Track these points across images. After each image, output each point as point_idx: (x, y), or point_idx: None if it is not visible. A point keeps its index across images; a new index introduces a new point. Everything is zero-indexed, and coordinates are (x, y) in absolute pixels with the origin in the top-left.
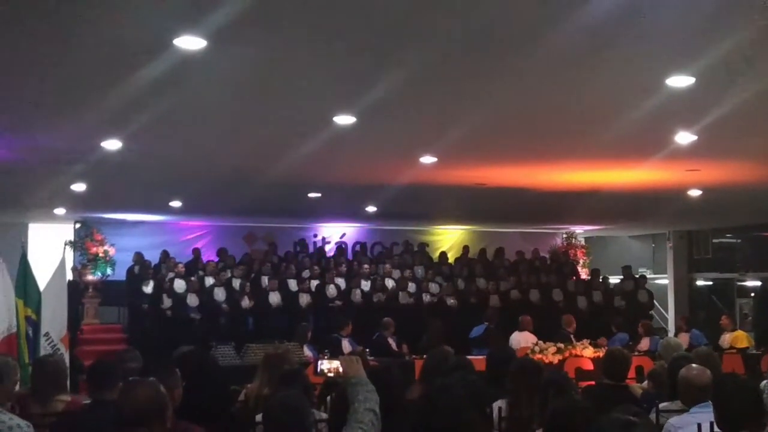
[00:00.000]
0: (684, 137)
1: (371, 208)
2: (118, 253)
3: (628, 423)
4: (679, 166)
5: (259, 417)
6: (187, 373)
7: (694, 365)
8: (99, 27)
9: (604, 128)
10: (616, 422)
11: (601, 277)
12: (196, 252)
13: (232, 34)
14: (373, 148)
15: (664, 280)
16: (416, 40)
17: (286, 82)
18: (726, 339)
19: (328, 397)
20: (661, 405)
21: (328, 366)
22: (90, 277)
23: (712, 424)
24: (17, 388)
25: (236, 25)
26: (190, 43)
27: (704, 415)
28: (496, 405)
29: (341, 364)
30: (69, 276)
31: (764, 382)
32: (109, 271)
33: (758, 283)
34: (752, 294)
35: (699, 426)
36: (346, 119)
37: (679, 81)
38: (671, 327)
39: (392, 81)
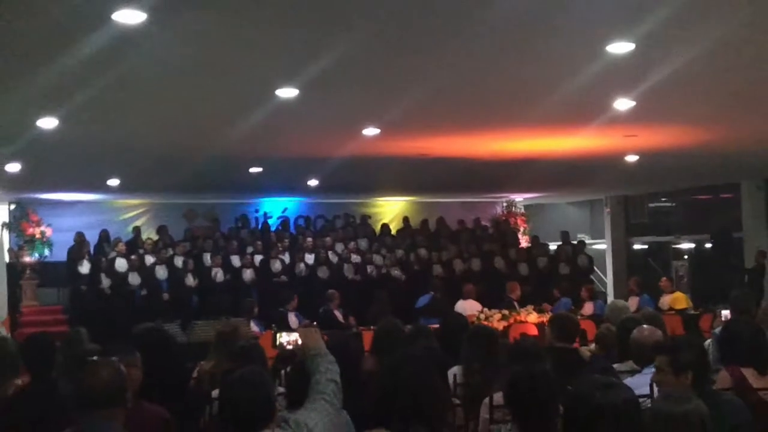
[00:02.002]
0: (623, 103)
1: (313, 182)
2: (56, 233)
3: (609, 383)
4: (617, 132)
5: (215, 393)
6: (147, 352)
7: (645, 326)
8: (35, 0)
9: (545, 96)
10: (596, 382)
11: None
12: (137, 230)
13: (171, 7)
14: (316, 121)
15: (602, 245)
16: (359, 10)
17: (228, 56)
18: (665, 300)
19: (282, 371)
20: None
21: (288, 339)
22: (27, 259)
23: None
24: None
25: None
26: (129, 17)
27: None
28: (451, 372)
29: (300, 335)
30: (6, 258)
31: (707, 341)
32: (46, 252)
33: (692, 246)
34: (686, 256)
35: (651, 385)
36: (289, 92)
37: (620, 47)
38: (610, 291)
39: (335, 52)
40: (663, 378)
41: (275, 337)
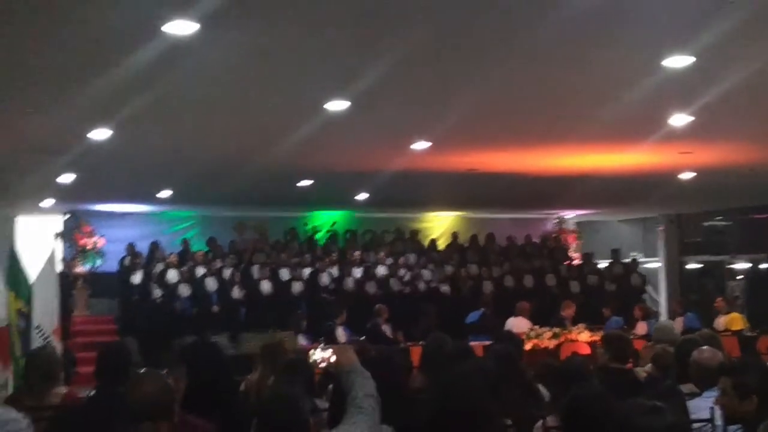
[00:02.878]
0: (679, 119)
1: (363, 196)
2: (108, 244)
3: (655, 408)
4: (672, 149)
5: None
6: (194, 365)
7: (705, 347)
8: (86, 13)
9: (600, 111)
10: (642, 407)
11: (592, 261)
12: (186, 243)
13: (222, 20)
14: (365, 135)
15: (654, 264)
16: (409, 23)
17: (278, 68)
18: (721, 321)
19: (330, 386)
20: None
21: (321, 356)
22: (80, 269)
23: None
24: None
25: (227, 9)
26: (180, 28)
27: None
28: None
29: (334, 353)
30: (59, 268)
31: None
32: (98, 262)
33: (748, 265)
34: (739, 276)
35: (712, 410)
36: (339, 105)
37: (678, 61)
38: (663, 310)
39: (386, 65)
40: (727, 402)
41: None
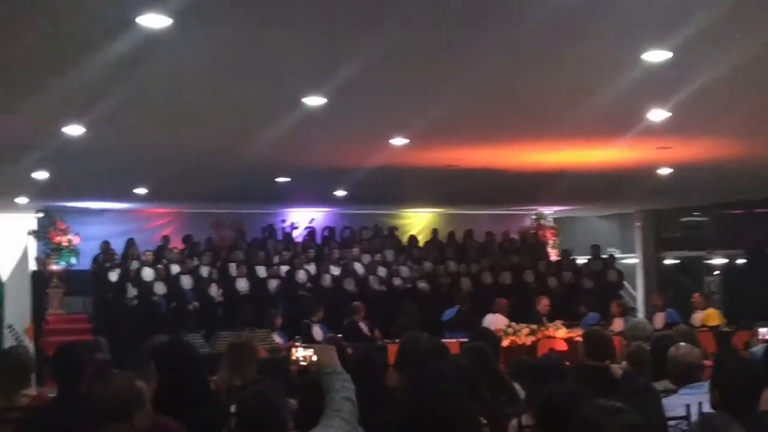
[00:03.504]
0: (657, 114)
1: (341, 192)
2: (83, 242)
3: (614, 409)
4: (650, 144)
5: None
6: (164, 365)
7: (682, 344)
8: (57, 4)
9: (578, 106)
10: (602, 409)
11: (570, 257)
12: (165, 239)
13: (197, 12)
14: (344, 130)
15: (632, 260)
16: (388, 16)
17: (255, 63)
18: (698, 317)
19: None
20: None
21: (303, 354)
22: (54, 267)
23: (700, 404)
24: None
25: (202, 2)
26: (155, 21)
27: (693, 396)
28: None
29: (315, 353)
30: (32, 266)
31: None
32: (73, 260)
33: (725, 261)
34: (716, 272)
35: (688, 407)
36: (316, 100)
37: (656, 56)
38: (640, 306)
39: (363, 59)
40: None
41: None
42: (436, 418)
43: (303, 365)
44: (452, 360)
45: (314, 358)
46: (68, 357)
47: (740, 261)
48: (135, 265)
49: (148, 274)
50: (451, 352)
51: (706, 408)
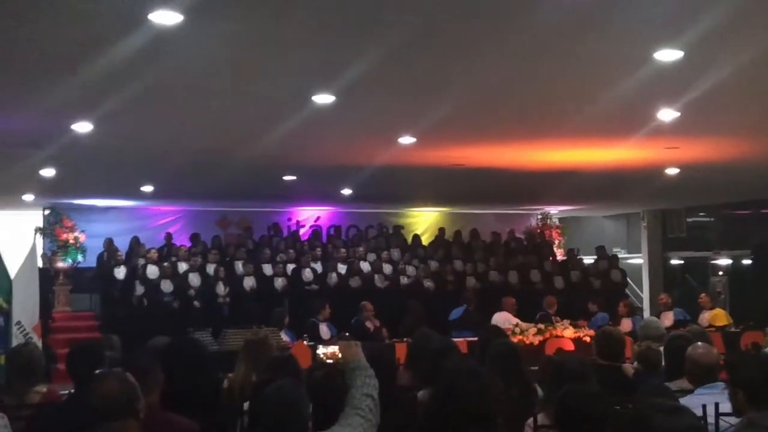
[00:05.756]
0: (666, 114)
1: (347, 191)
2: (89, 239)
3: (674, 408)
4: (658, 144)
5: (246, 405)
6: (171, 363)
7: (699, 344)
8: (68, 1)
9: (586, 105)
10: (660, 407)
11: (576, 257)
12: (168, 237)
13: (209, 9)
14: (352, 129)
15: (638, 260)
16: (397, 16)
17: (264, 60)
18: (705, 317)
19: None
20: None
21: (325, 351)
22: (60, 264)
23: (717, 405)
24: None
25: (211, 0)
26: (166, 18)
27: (709, 396)
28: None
29: (340, 349)
30: (39, 263)
31: None
32: (79, 257)
33: (731, 261)
34: (720, 273)
35: (704, 407)
36: (325, 98)
37: (667, 55)
38: (646, 306)
39: (372, 58)
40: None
41: (313, 349)
42: (459, 418)
43: (329, 362)
44: (469, 360)
45: (339, 354)
46: (84, 354)
47: (746, 261)
48: (140, 262)
49: (152, 271)
50: (460, 351)
51: (723, 408)
